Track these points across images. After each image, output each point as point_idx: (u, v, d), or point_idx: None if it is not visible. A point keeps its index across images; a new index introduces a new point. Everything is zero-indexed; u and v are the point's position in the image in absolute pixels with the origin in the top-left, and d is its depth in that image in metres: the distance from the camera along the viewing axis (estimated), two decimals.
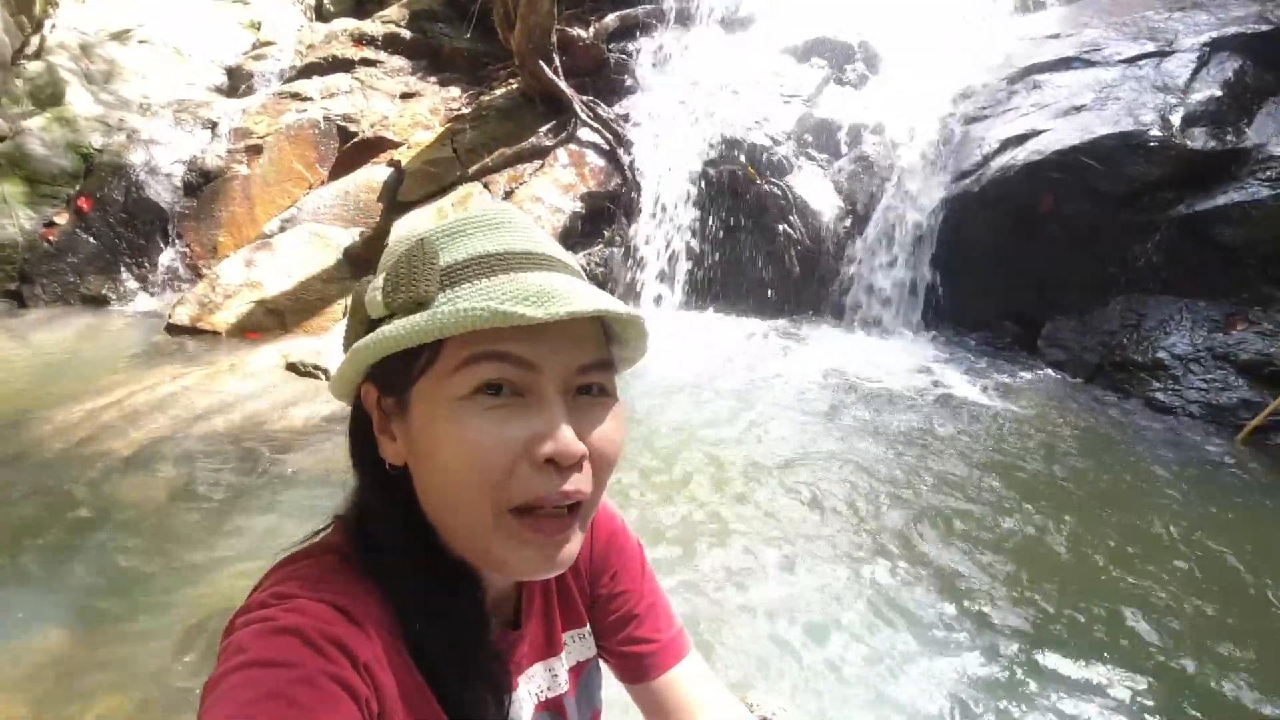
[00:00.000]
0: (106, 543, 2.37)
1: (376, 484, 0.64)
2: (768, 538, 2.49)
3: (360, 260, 4.74)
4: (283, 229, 5.15)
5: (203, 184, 5.50)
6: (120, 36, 6.67)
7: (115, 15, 6.79)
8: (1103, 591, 2.26)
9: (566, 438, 0.56)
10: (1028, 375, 4.10)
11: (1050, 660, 1.97)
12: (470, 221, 0.62)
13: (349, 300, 0.65)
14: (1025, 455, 3.15)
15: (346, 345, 0.63)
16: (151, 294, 5.22)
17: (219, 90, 6.77)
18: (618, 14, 6.17)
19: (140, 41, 6.71)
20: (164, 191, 5.44)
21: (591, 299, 0.56)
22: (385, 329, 0.57)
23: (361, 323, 0.62)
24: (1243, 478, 3.03)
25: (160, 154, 5.56)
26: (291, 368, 3.65)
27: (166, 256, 5.34)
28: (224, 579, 2.21)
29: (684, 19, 6.22)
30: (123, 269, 5.26)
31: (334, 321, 4.36)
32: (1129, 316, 4.03)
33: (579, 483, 0.58)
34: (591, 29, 5.96)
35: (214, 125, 5.85)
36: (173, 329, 4.36)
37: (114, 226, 5.30)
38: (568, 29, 5.69)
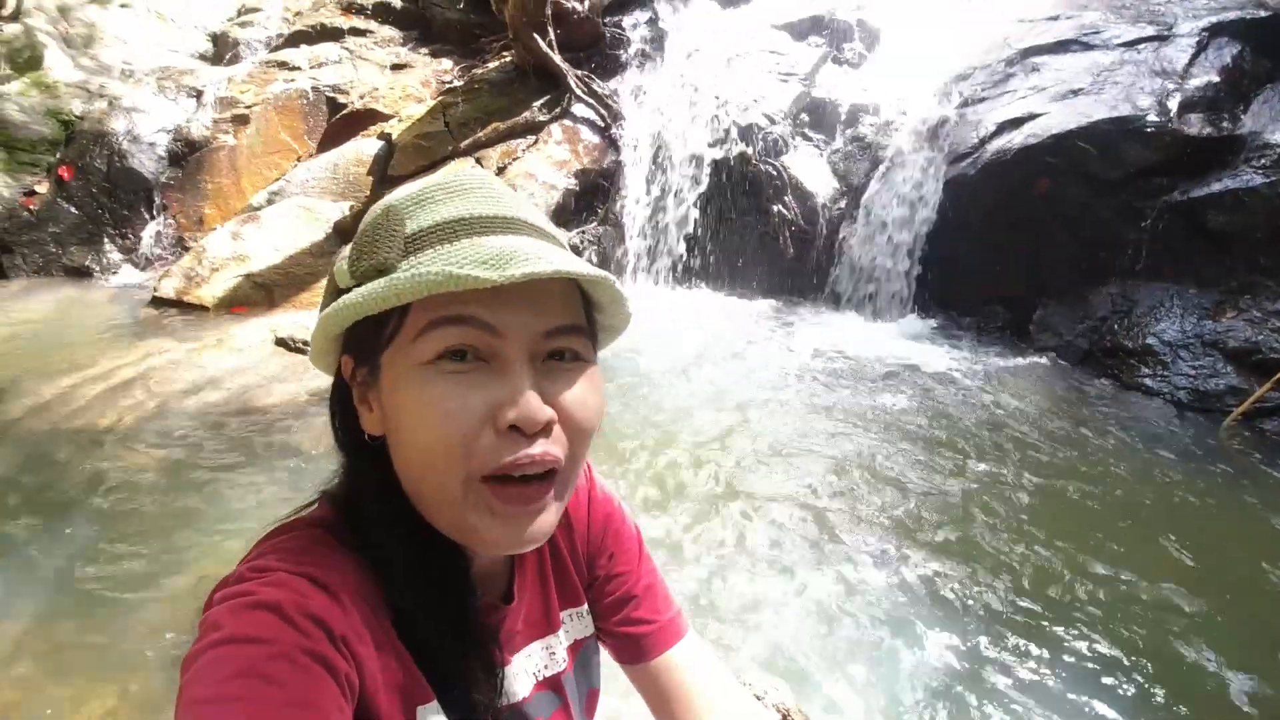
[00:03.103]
0: (92, 519, 2.34)
1: (357, 455, 0.63)
2: (754, 514, 2.50)
3: (351, 235, 4.66)
4: (270, 202, 5.06)
5: (188, 154, 5.39)
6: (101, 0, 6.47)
7: None
8: (1087, 567, 2.29)
9: (530, 403, 0.55)
10: (1018, 360, 4.12)
11: (1034, 633, 2.00)
12: (439, 188, 0.61)
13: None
14: (1013, 439, 3.17)
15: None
16: (136, 266, 5.13)
17: (203, 57, 6.62)
18: None
19: (121, 5, 6.52)
20: (148, 161, 5.32)
21: (553, 260, 0.54)
22: (346, 296, 0.56)
23: (332, 293, 0.61)
24: (1227, 463, 3.07)
25: (143, 122, 5.43)
26: (280, 343, 3.61)
27: (151, 228, 5.24)
28: (214, 555, 2.19)
29: None
30: (106, 240, 5.16)
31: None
32: (1120, 302, 4.05)
33: (548, 447, 0.56)
34: (587, 2, 5.85)
35: (199, 94, 5.72)
36: (158, 302, 4.29)
37: (96, 196, 5.19)
38: (563, 2, 5.58)
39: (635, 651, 0.81)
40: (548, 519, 0.59)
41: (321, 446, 2.81)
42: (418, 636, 0.59)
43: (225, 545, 2.22)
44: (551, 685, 0.73)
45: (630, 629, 0.80)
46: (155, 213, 5.28)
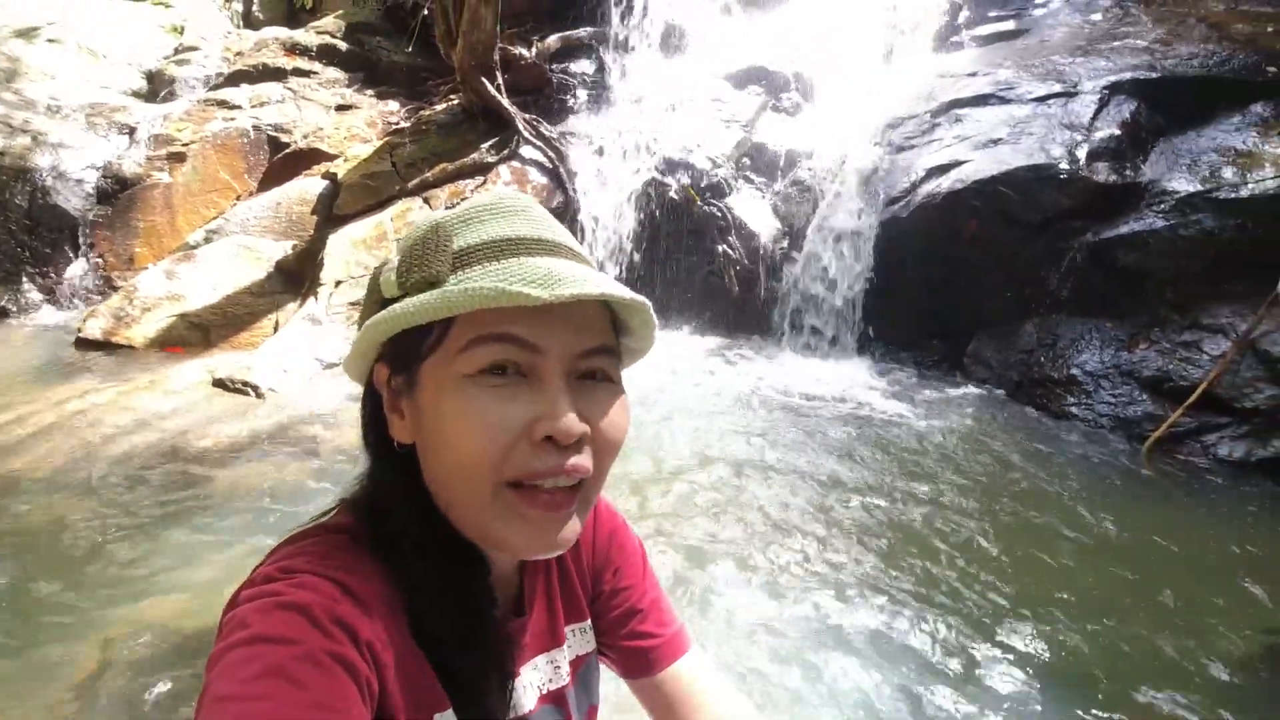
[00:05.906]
0: (8, 569, 2.18)
1: (385, 462, 0.65)
2: (689, 550, 2.51)
3: (293, 274, 4.57)
4: (208, 240, 4.92)
5: (118, 191, 5.20)
6: (26, 34, 6.27)
7: (20, 12, 6.39)
8: (1020, 587, 2.38)
9: (566, 417, 0.57)
10: (954, 391, 4.30)
11: (967, 652, 2.06)
12: (485, 208, 0.64)
13: (362, 295, 0.67)
14: (950, 467, 3.30)
15: (361, 325, 0.64)
16: (59, 306, 4.87)
17: (138, 95, 6.44)
18: (560, 35, 6.23)
19: (50, 40, 6.33)
20: (74, 198, 5.11)
21: (598, 283, 0.58)
22: (397, 306, 0.59)
23: (376, 303, 0.64)
24: (1145, 483, 3.27)
25: (70, 158, 5.23)
26: (219, 384, 3.47)
27: (76, 267, 5.00)
28: (139, 606, 2.05)
29: (625, 43, 6.33)
30: (25, 279, 4.90)
31: (264, 336, 4.17)
32: (1045, 336, 4.30)
33: (579, 460, 0.59)
34: (534, 49, 5.99)
35: (132, 130, 5.55)
36: (83, 343, 4.08)
37: (15, 233, 4.94)
38: (510, 48, 5.70)
39: (642, 665, 0.82)
40: (573, 527, 0.61)
41: (262, 490, 2.69)
42: (436, 645, 0.60)
43: (155, 597, 2.09)
44: (555, 699, 0.74)
45: (636, 643, 0.82)
46: (81, 251, 5.06)
